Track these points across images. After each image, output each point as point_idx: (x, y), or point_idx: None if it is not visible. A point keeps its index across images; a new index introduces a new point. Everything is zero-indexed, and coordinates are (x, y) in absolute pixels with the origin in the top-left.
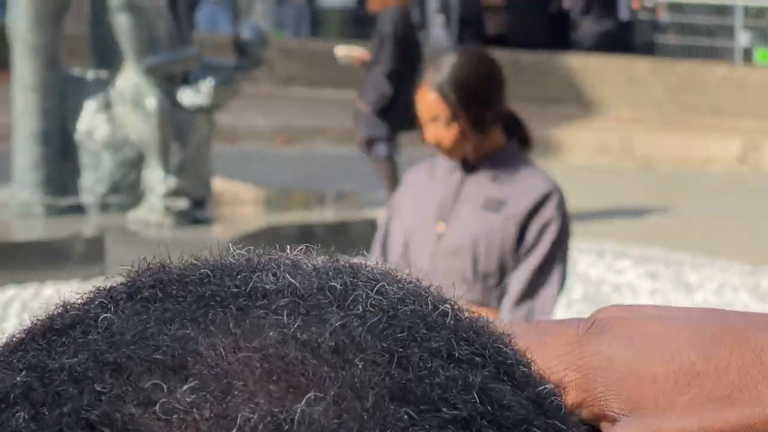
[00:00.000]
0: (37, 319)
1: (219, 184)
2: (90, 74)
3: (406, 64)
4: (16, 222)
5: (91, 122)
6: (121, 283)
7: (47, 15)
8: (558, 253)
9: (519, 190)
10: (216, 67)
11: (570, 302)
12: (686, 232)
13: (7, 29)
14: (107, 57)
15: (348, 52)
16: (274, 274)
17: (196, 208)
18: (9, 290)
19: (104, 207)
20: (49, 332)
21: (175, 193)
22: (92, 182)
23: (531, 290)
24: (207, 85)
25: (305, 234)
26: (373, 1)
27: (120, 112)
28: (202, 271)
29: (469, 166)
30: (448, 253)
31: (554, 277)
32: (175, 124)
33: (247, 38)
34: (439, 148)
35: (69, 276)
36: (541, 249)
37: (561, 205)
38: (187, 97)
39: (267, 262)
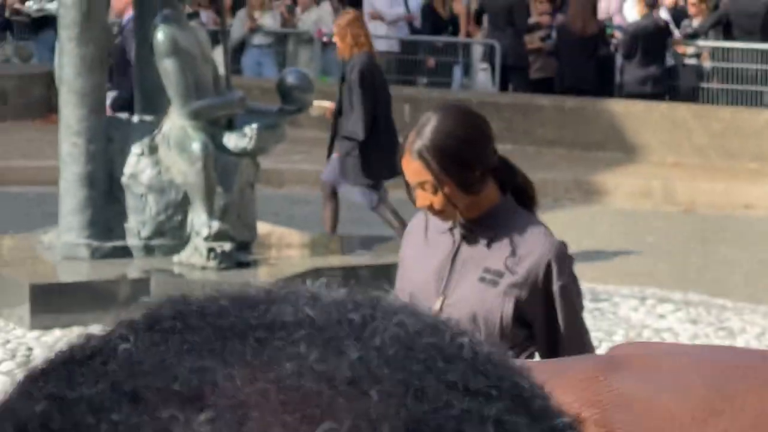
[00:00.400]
0: (60, 351)
1: (263, 228)
2: (135, 118)
3: (377, 110)
4: (62, 264)
5: (136, 166)
6: (142, 315)
7: (93, 60)
8: (578, 321)
9: (516, 258)
10: (261, 112)
11: (611, 347)
12: (728, 277)
13: (55, 74)
14: (152, 100)
15: (320, 104)
16: (293, 306)
17: (241, 251)
18: (54, 333)
19: (149, 250)
20: (70, 362)
21: (219, 236)
22: (137, 225)
23: None
24: (252, 129)
25: (349, 277)
26: (341, 48)
27: (165, 156)
28: (221, 303)
29: (464, 228)
30: None
31: (587, 347)
32: (220, 167)
33: (292, 83)
34: (431, 213)
35: (114, 319)
36: (562, 326)
37: (563, 268)
38: (232, 141)
39: (286, 294)
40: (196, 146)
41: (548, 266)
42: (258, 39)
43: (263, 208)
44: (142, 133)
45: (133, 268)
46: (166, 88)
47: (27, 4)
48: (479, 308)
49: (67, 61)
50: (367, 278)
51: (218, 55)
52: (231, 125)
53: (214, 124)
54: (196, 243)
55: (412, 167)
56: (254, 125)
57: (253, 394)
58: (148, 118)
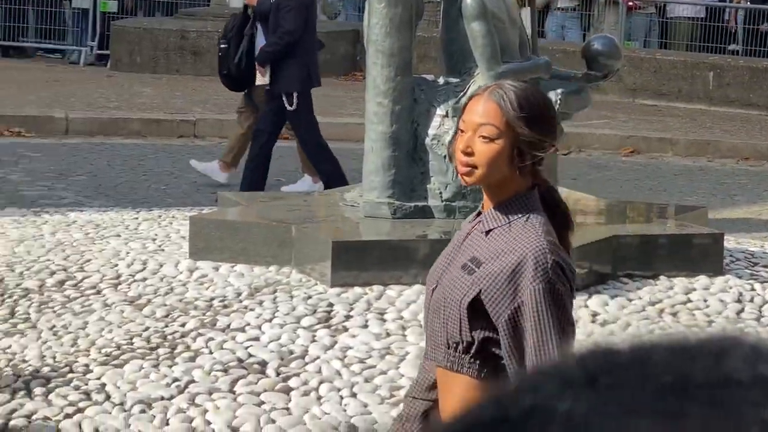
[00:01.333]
0: (485, 403)
1: (562, 192)
2: (441, 80)
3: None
4: (364, 223)
5: (440, 127)
6: (572, 366)
7: (402, 21)
8: (549, 332)
9: (499, 251)
10: (566, 77)
11: None
12: None
13: (362, 34)
14: (458, 63)
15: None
16: (745, 362)
17: None
18: (354, 290)
19: (450, 211)
20: (503, 422)
21: None
22: (439, 186)
23: None
24: (557, 94)
25: (646, 246)
26: None
27: None
28: (656, 353)
29: (485, 216)
30: (432, 313)
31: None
32: None
33: (599, 49)
34: (464, 164)
35: (413, 279)
36: (530, 332)
37: (540, 272)
38: None
39: (729, 345)
40: None
41: (523, 265)
42: (562, 2)
43: (562, 171)
44: (447, 94)
45: (433, 229)
46: (473, 50)
47: None
48: (449, 293)
49: (376, 22)
50: (665, 250)
51: (524, 17)
52: None
53: None
54: None
55: (486, 107)
56: (559, 90)
57: None
58: (453, 80)
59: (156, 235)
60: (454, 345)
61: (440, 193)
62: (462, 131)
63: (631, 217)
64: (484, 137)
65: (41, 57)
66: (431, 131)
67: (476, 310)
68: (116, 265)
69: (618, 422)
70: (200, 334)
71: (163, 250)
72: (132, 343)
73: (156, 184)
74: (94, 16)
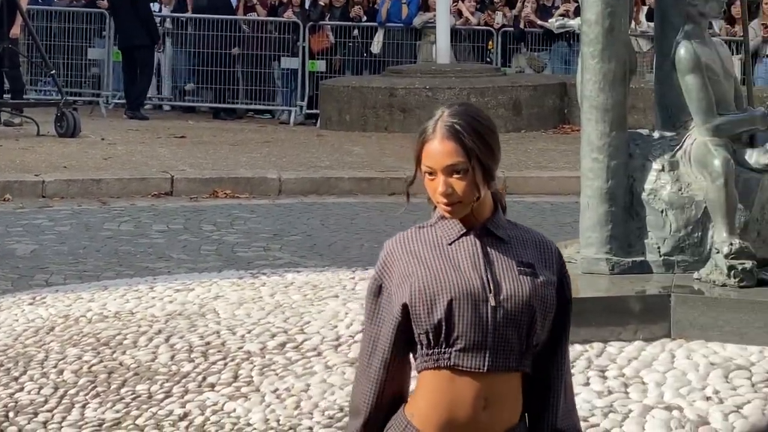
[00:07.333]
0: None
1: None
2: (656, 134)
3: None
4: (582, 278)
5: (656, 181)
6: None
7: (615, 77)
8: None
9: (536, 253)
10: None
11: None
12: None
13: (576, 89)
14: (673, 116)
15: None
16: None
17: (762, 269)
18: (575, 347)
19: (669, 266)
20: None
21: (740, 253)
22: (657, 241)
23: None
24: None
25: None
26: None
27: (686, 172)
28: None
29: (483, 229)
30: (506, 322)
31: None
32: (741, 184)
33: None
34: (447, 204)
35: (633, 336)
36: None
37: (564, 263)
38: (754, 157)
39: None
40: (717, 163)
41: (561, 261)
42: None
43: None
44: (662, 148)
45: (652, 284)
46: (688, 104)
47: (550, 21)
48: (534, 298)
49: (589, 78)
50: None
51: (737, 68)
52: (753, 141)
53: (735, 140)
54: (716, 260)
55: (446, 148)
56: None
57: None
58: (668, 133)
59: None
60: (534, 347)
61: (658, 247)
62: (430, 176)
63: None
64: (457, 173)
65: (252, 118)
66: (647, 186)
67: None
68: (336, 327)
69: None
70: None
71: None
72: None
73: (369, 242)
74: (302, 75)
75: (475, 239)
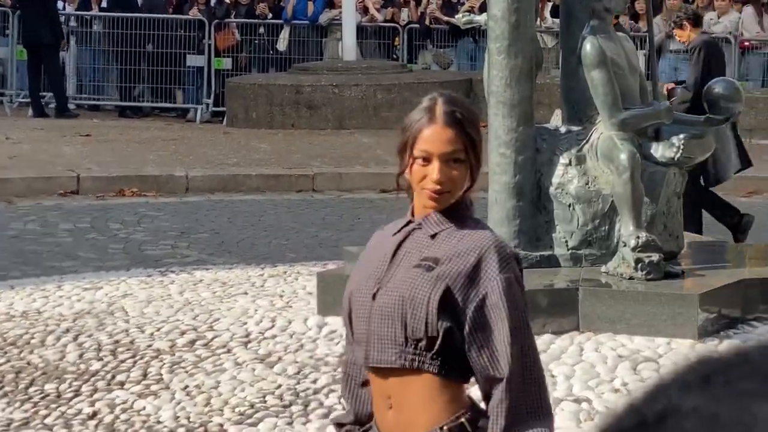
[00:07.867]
0: (619, 414)
1: (690, 237)
2: (563, 128)
3: None
4: None
5: (563, 176)
6: (686, 372)
7: (522, 73)
8: (523, 319)
9: (457, 249)
10: (687, 122)
11: None
12: None
13: (482, 84)
14: (579, 111)
15: None
16: None
17: (668, 262)
18: None
19: (576, 260)
20: (644, 426)
21: (646, 246)
22: (565, 235)
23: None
24: (679, 139)
25: None
26: None
27: (592, 166)
28: (756, 353)
29: (424, 221)
30: (380, 316)
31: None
32: (647, 178)
33: (720, 92)
34: (437, 192)
35: (541, 329)
36: (507, 320)
37: (505, 264)
38: (659, 151)
39: None
40: (623, 156)
41: (487, 257)
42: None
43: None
44: (569, 143)
45: (560, 278)
46: (594, 98)
47: (456, 16)
48: (407, 291)
49: (496, 73)
50: None
51: (641, 63)
52: (658, 135)
53: (641, 134)
54: (623, 253)
55: (448, 135)
56: (681, 135)
57: None
58: (575, 128)
59: (283, 291)
60: (414, 342)
61: (566, 241)
62: (424, 162)
63: (756, 260)
64: (456, 161)
65: (158, 116)
66: (555, 180)
67: (440, 305)
68: (245, 323)
69: (738, 406)
70: (333, 391)
71: (290, 306)
72: (265, 401)
73: (277, 239)
74: (208, 73)
75: (404, 233)
